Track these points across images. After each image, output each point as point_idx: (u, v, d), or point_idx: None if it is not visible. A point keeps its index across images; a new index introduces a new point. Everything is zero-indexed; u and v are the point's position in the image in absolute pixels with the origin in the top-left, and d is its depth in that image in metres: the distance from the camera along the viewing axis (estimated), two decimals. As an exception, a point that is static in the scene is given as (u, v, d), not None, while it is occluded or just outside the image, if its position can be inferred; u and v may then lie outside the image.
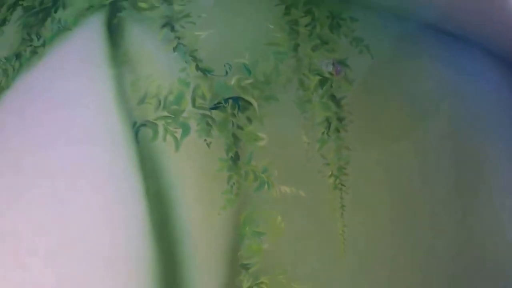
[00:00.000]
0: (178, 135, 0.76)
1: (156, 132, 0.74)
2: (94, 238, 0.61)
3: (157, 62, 0.73)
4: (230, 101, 0.73)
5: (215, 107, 0.78)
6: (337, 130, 0.73)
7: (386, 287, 0.70)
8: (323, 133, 0.73)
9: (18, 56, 0.64)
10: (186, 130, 0.77)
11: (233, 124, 0.76)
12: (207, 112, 0.77)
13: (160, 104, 0.74)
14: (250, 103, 0.72)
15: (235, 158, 0.72)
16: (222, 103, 0.72)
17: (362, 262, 0.69)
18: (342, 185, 0.73)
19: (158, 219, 0.67)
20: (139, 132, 0.74)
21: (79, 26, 0.68)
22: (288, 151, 0.72)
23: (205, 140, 0.77)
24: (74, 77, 0.67)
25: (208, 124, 0.78)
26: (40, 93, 0.63)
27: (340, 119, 0.73)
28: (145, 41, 0.72)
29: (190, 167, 0.71)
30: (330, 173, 0.73)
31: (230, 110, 0.73)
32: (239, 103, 0.72)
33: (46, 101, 0.63)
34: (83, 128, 0.68)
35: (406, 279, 0.70)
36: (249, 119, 0.73)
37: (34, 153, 0.60)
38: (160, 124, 0.74)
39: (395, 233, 0.71)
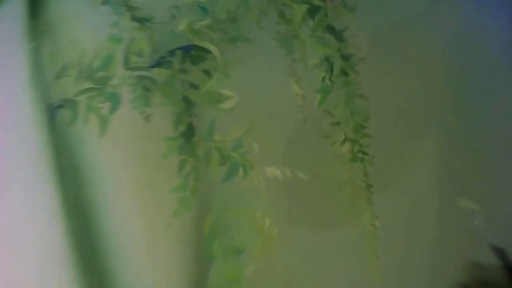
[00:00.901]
0: (106, 111, 0.43)
1: (75, 113, 0.45)
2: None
3: (82, 24, 0.47)
4: (179, 52, 0.43)
5: (156, 64, 0.42)
6: (344, 73, 0.42)
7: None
8: (323, 78, 0.42)
9: None
10: (115, 102, 0.41)
11: (182, 82, 0.42)
12: (145, 73, 0.46)
13: (82, 74, 0.46)
14: (207, 51, 0.43)
15: (189, 133, 0.41)
16: (166, 57, 0.43)
17: (402, 276, 0.35)
18: (364, 153, 0.40)
19: (81, 242, 0.38)
20: (55, 115, 0.44)
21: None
22: (271, 111, 0.41)
23: (143, 112, 0.42)
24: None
25: (146, 89, 0.42)
26: None
27: (345, 57, 0.43)
28: (68, 2, 0.48)
29: (123, 156, 0.40)
30: (343, 137, 0.41)
31: (178, 64, 0.43)
32: (191, 53, 0.43)
33: None
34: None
35: None
36: (207, 73, 0.42)
37: None
38: (82, 100, 0.45)
39: (443, 224, 0.38)
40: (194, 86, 0.41)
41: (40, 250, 0.37)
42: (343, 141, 0.41)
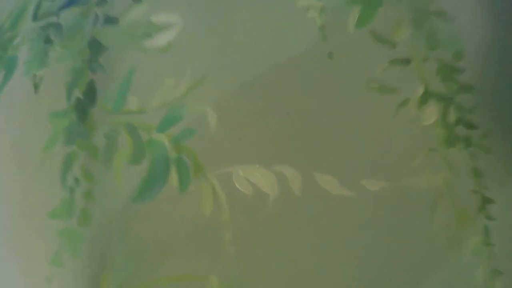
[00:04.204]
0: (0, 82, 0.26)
1: None
2: None
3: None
4: None
5: (68, 3, 0.26)
6: None
7: None
8: None
9: None
10: (10, 66, 0.26)
11: (95, 19, 0.23)
12: (52, 19, 0.26)
13: None
14: None
15: (85, 102, 0.20)
16: None
17: None
18: (471, 126, 0.15)
19: None
20: None
21: None
22: (248, 46, 0.17)
23: (33, 77, 0.24)
24: None
25: (46, 41, 0.25)
26: None
27: None
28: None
29: (5, 149, 0.23)
30: (422, 89, 0.15)
31: None
32: None
33: None
34: None
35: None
36: None
37: None
38: None
39: None
40: (111, 20, 0.22)
41: None
42: (423, 99, 0.16)
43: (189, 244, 0.15)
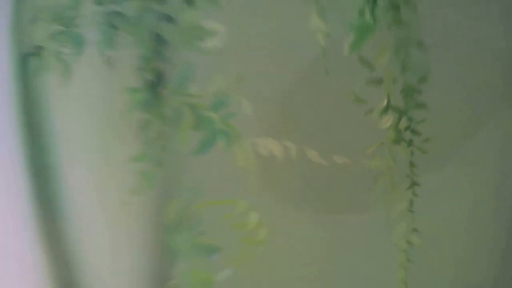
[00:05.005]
0: (70, 58, 0.34)
1: (42, 60, 0.35)
2: None
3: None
4: None
5: None
6: (395, 6, 0.25)
7: None
8: (362, 11, 0.26)
9: None
10: (78, 45, 0.34)
11: (155, 15, 0.33)
12: (116, 7, 0.33)
13: (54, 16, 0.36)
14: None
15: (156, 84, 0.30)
16: None
17: None
18: (414, 132, 0.25)
19: (41, 200, 0.32)
20: (26, 64, 0.38)
21: None
22: (275, 56, 0.27)
23: (105, 54, 0.33)
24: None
25: (113, 27, 0.33)
26: None
27: None
28: None
29: (83, 110, 0.32)
30: (385, 103, 0.25)
31: None
32: None
33: None
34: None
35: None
36: (189, 0, 0.30)
37: None
38: (49, 45, 0.35)
39: None
40: (169, 19, 0.30)
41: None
42: (385, 110, 0.26)
43: (227, 183, 0.28)
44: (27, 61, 0.34)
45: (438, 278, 0.25)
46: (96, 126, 0.29)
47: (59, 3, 0.35)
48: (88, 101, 0.30)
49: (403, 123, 0.25)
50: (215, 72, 0.27)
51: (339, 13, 0.26)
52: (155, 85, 0.27)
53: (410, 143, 0.24)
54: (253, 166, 0.25)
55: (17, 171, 0.33)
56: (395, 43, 0.25)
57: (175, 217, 0.27)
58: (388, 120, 0.25)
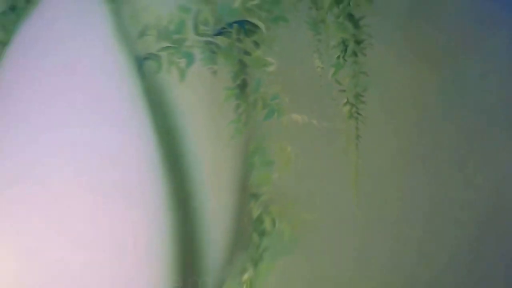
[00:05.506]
0: (183, 65, 0.57)
1: (159, 64, 0.57)
2: (107, 174, 0.54)
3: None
4: (235, 25, 0.58)
5: (219, 33, 0.57)
6: (354, 54, 0.58)
7: (396, 219, 0.61)
8: (338, 57, 0.59)
9: (13, 8, 0.59)
10: (190, 59, 0.57)
11: (239, 49, 0.58)
12: (211, 39, 0.57)
13: (160, 35, 0.57)
14: (257, 26, 0.58)
15: (243, 86, 0.59)
16: (226, 28, 0.57)
17: (374, 194, 0.60)
18: (358, 114, 0.59)
19: (168, 152, 0.57)
20: (143, 65, 0.57)
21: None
22: (299, 76, 0.59)
23: (210, 68, 0.58)
24: (72, 17, 0.54)
25: (212, 51, 0.57)
26: (41, 40, 0.54)
27: (358, 42, 0.58)
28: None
29: (197, 98, 0.58)
30: (346, 100, 0.59)
31: (235, 35, 0.58)
32: (245, 27, 0.58)
33: (49, 45, 0.53)
34: (89, 64, 0.59)
35: (416, 211, 0.61)
36: (256, 44, 0.58)
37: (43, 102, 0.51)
38: (163, 55, 0.57)
39: (412, 166, 0.60)
40: (247, 53, 0.58)
41: (139, 165, 0.55)
42: (345, 103, 0.60)
43: (279, 135, 0.66)
44: (143, 63, 0.58)
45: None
46: (207, 109, 0.59)
47: (162, 23, 0.57)
48: (199, 94, 0.59)
49: (354, 110, 0.59)
50: (272, 83, 0.58)
51: (328, 58, 0.59)
52: (242, 87, 0.62)
53: (356, 118, 0.59)
54: (289, 125, 0.59)
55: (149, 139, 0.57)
56: (352, 72, 0.58)
57: (253, 149, 0.60)
58: (347, 108, 0.59)
